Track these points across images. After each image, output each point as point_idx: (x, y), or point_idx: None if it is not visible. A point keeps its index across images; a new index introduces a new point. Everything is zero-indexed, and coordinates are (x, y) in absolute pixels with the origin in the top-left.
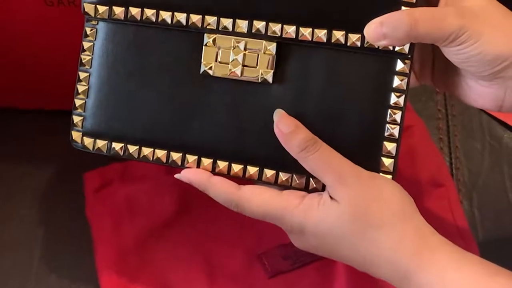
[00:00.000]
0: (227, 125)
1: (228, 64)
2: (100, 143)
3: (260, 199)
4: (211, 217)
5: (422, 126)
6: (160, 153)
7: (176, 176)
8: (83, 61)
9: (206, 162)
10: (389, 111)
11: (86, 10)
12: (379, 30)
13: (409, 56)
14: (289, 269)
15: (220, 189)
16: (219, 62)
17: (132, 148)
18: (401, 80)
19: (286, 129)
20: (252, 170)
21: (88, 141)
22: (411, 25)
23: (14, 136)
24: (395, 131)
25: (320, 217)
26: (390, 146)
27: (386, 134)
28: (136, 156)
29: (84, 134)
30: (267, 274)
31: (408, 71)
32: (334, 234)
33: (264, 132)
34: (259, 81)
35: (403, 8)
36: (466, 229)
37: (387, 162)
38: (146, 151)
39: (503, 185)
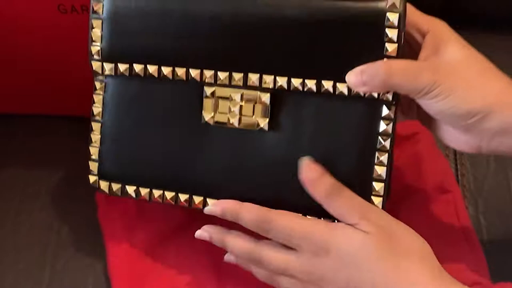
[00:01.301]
0: (229, 169)
1: (227, 114)
2: (115, 186)
3: (289, 218)
4: (221, 222)
5: (428, 133)
6: (169, 195)
7: (206, 210)
8: (94, 113)
9: (211, 202)
10: (376, 153)
11: (94, 69)
12: (359, 78)
13: (394, 102)
14: None
15: (252, 210)
16: (219, 112)
17: (143, 191)
18: (387, 125)
19: (312, 176)
20: None
21: (104, 185)
22: (387, 75)
23: (25, 141)
24: (383, 172)
25: (347, 237)
26: (378, 186)
27: (374, 175)
28: (147, 198)
29: (100, 178)
30: None
31: (393, 117)
32: (359, 256)
33: (262, 176)
34: (256, 129)
35: (385, 60)
36: (472, 234)
37: (376, 200)
38: (157, 193)
39: (508, 191)
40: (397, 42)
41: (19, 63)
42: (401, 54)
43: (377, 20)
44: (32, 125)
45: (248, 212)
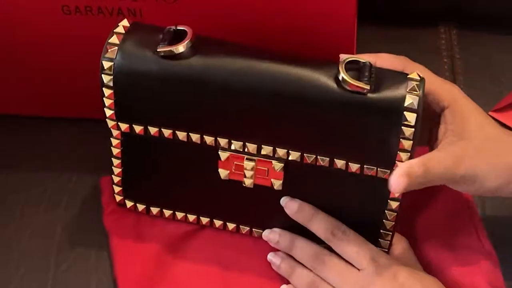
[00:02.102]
0: (245, 214)
1: (242, 175)
2: (140, 207)
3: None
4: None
5: None
6: (191, 218)
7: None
8: (114, 164)
9: (231, 226)
10: (381, 231)
11: (109, 127)
12: (398, 184)
13: None
14: None
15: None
16: (234, 171)
17: (167, 213)
18: (394, 205)
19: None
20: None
21: (129, 204)
22: (425, 173)
23: (29, 143)
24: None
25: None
26: (384, 243)
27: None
28: (172, 218)
29: (125, 198)
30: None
31: (401, 198)
32: None
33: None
34: (274, 187)
35: (401, 141)
36: (485, 237)
37: None
38: (180, 215)
39: None
40: (414, 126)
41: (22, 64)
42: (417, 137)
43: (395, 105)
44: (36, 127)
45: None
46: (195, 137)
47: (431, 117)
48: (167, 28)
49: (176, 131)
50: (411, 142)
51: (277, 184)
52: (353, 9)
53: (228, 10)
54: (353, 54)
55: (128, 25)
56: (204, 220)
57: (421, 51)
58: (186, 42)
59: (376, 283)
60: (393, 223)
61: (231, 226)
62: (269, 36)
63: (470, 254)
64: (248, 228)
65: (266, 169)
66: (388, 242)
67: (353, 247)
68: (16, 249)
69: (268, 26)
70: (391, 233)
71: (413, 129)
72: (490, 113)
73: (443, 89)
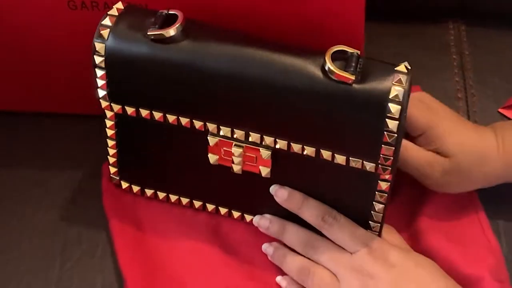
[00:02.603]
0: (235, 200)
1: (231, 161)
2: (135, 188)
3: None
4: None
5: None
6: (185, 201)
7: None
8: (109, 145)
9: (223, 211)
10: (370, 223)
11: (102, 107)
12: None
13: (390, 179)
14: None
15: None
16: (223, 157)
17: (161, 195)
18: (381, 197)
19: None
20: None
21: (125, 185)
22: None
23: (31, 140)
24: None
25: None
26: (374, 225)
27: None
28: (165, 200)
29: (121, 179)
30: (281, 272)
31: (388, 190)
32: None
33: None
34: (261, 174)
35: (385, 134)
36: (492, 237)
37: None
38: (173, 198)
39: None
40: (399, 119)
41: (28, 59)
42: (402, 130)
43: (380, 96)
44: (35, 125)
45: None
46: (184, 121)
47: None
48: (159, 12)
49: (167, 114)
50: (395, 135)
51: (265, 171)
52: (361, 7)
53: (235, 9)
54: (361, 50)
55: (122, 7)
56: (197, 203)
57: (430, 47)
58: (177, 26)
59: (368, 264)
60: (381, 214)
61: (223, 210)
62: (275, 34)
63: (474, 248)
64: (239, 213)
65: (255, 156)
66: (377, 233)
67: (345, 232)
68: (20, 247)
69: (274, 24)
70: (379, 224)
71: (397, 121)
72: (499, 109)
73: (418, 117)
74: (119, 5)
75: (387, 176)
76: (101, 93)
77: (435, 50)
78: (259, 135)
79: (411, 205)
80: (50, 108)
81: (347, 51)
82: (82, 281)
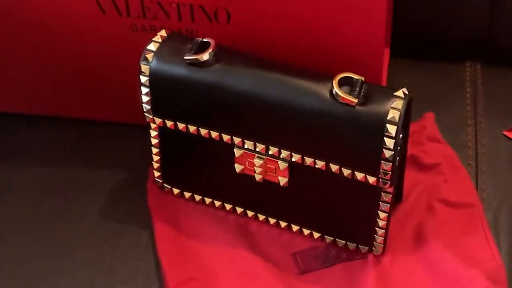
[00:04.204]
0: (259, 204)
1: (253, 171)
2: (175, 191)
3: None
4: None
5: (451, 158)
6: (217, 204)
7: None
8: (153, 152)
9: (250, 214)
10: (376, 229)
11: (147, 120)
12: None
13: (392, 192)
14: (319, 267)
15: None
16: (247, 167)
17: (197, 198)
18: (384, 208)
19: None
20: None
21: (167, 187)
22: None
23: (89, 145)
24: (381, 240)
25: None
26: (378, 239)
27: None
28: (201, 202)
29: (164, 182)
30: (299, 270)
31: (390, 201)
32: None
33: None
34: (280, 184)
35: (383, 151)
36: (494, 245)
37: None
38: (207, 201)
39: None
40: (395, 137)
41: (88, 71)
42: (398, 148)
43: (379, 118)
44: (98, 131)
45: None
46: (214, 134)
47: None
48: (195, 39)
49: (200, 128)
50: (392, 152)
51: (283, 181)
52: (381, 41)
53: (271, 33)
54: (381, 83)
55: (165, 35)
56: (228, 206)
57: (447, 81)
58: (209, 51)
59: None
60: (385, 222)
61: (250, 213)
62: (302, 58)
63: (475, 253)
64: (264, 216)
65: (274, 167)
66: (383, 238)
67: None
68: (76, 237)
69: (298, 53)
70: (384, 230)
71: (393, 140)
72: (504, 132)
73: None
74: (163, 32)
75: (388, 189)
76: (146, 107)
77: (451, 84)
78: (277, 148)
79: (416, 213)
80: (108, 117)
81: (352, 78)
82: (128, 269)
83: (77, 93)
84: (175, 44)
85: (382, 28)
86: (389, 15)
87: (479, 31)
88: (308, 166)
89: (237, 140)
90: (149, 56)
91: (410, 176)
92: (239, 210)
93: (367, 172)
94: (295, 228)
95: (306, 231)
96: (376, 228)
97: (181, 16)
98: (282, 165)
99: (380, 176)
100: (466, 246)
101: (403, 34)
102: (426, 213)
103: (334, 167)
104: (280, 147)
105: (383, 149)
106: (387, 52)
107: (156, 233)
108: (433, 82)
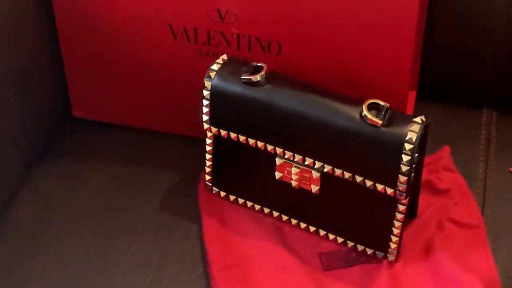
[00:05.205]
0: (293, 209)
1: (291, 178)
2: (222, 193)
3: None
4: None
5: (460, 185)
6: (257, 207)
7: None
8: (207, 158)
9: (284, 218)
10: (391, 236)
11: (204, 128)
12: None
13: (406, 204)
14: (340, 267)
15: None
16: (285, 175)
17: (241, 201)
18: (400, 216)
19: None
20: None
21: (215, 190)
22: None
23: (148, 151)
24: (396, 243)
25: None
26: (393, 246)
27: (391, 242)
28: (244, 205)
29: (213, 186)
30: (323, 268)
31: (405, 212)
32: None
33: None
34: (312, 191)
35: (401, 166)
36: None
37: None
38: (249, 204)
39: None
40: (411, 155)
41: (162, 88)
42: (414, 165)
43: (399, 137)
44: (156, 141)
45: None
46: (260, 144)
47: None
48: (251, 63)
49: (248, 138)
50: (408, 167)
51: (315, 189)
52: (407, 74)
53: (314, 64)
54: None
55: (226, 58)
56: (266, 210)
57: (465, 122)
58: (262, 74)
59: None
60: (399, 230)
61: (284, 217)
62: (339, 86)
63: (475, 264)
64: (296, 221)
65: (308, 176)
66: (397, 245)
67: None
68: (133, 230)
69: (338, 79)
70: (398, 238)
71: (410, 157)
72: (510, 169)
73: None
74: (224, 56)
75: (403, 201)
76: (205, 118)
77: (468, 126)
78: (312, 160)
79: (429, 231)
80: (170, 129)
81: (379, 104)
82: (178, 254)
83: (146, 106)
84: (234, 66)
85: (408, 63)
86: (416, 60)
87: (495, 83)
88: (337, 176)
89: (279, 150)
90: (212, 74)
91: (425, 198)
92: (276, 214)
93: (386, 184)
94: (322, 232)
95: (331, 236)
96: (391, 236)
97: (240, 46)
98: (315, 174)
99: (397, 188)
100: (468, 258)
101: (429, 82)
102: (436, 229)
103: (358, 178)
104: (315, 159)
105: (401, 164)
106: (413, 94)
107: (204, 226)
108: (453, 123)
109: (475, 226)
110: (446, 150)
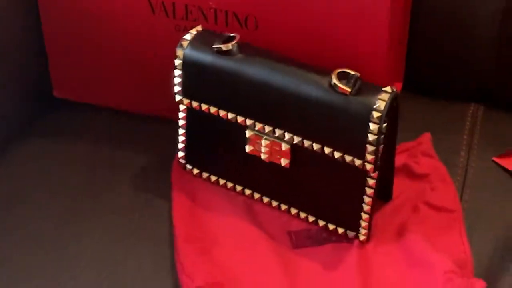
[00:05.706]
0: (265, 187)
1: (261, 151)
2: (195, 171)
3: None
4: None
5: (439, 170)
6: (229, 185)
7: None
8: (179, 133)
9: (256, 196)
10: (362, 212)
11: (176, 100)
12: None
13: (375, 177)
14: (310, 245)
15: None
16: (255, 148)
17: (213, 178)
18: (370, 191)
19: None
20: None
21: (188, 168)
22: None
23: (122, 133)
24: (367, 219)
25: None
26: (363, 224)
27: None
28: (216, 183)
29: (187, 163)
30: (292, 245)
31: (375, 186)
32: None
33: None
34: (282, 164)
35: (368, 135)
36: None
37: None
38: (221, 182)
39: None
40: (379, 123)
41: (138, 66)
42: (382, 134)
43: (367, 106)
44: (130, 122)
45: None
46: (231, 115)
47: None
48: (224, 34)
49: (219, 110)
50: (376, 136)
51: (285, 162)
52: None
53: (290, 40)
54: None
55: (201, 29)
56: (238, 188)
57: (450, 115)
58: (233, 43)
59: None
60: (369, 206)
61: (256, 196)
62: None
63: (449, 246)
64: (268, 199)
65: (278, 149)
66: (367, 223)
67: None
68: (113, 205)
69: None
70: (368, 215)
71: (377, 125)
72: (493, 158)
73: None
74: (199, 27)
75: (372, 174)
76: (177, 89)
77: (453, 117)
78: (282, 131)
79: (403, 213)
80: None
81: (349, 73)
82: (153, 229)
83: (126, 86)
84: (207, 37)
85: (384, 38)
86: (400, 50)
87: (484, 80)
88: (306, 148)
89: (249, 122)
90: (184, 44)
91: (402, 182)
92: (248, 192)
93: (354, 155)
94: (293, 211)
95: (302, 215)
96: (361, 213)
97: (217, 20)
98: (285, 146)
99: (365, 159)
100: (441, 240)
101: (416, 74)
102: (411, 212)
103: (327, 150)
104: (285, 130)
105: (368, 133)
106: (398, 86)
107: (173, 201)
108: (438, 114)
109: (452, 211)
110: (426, 136)
